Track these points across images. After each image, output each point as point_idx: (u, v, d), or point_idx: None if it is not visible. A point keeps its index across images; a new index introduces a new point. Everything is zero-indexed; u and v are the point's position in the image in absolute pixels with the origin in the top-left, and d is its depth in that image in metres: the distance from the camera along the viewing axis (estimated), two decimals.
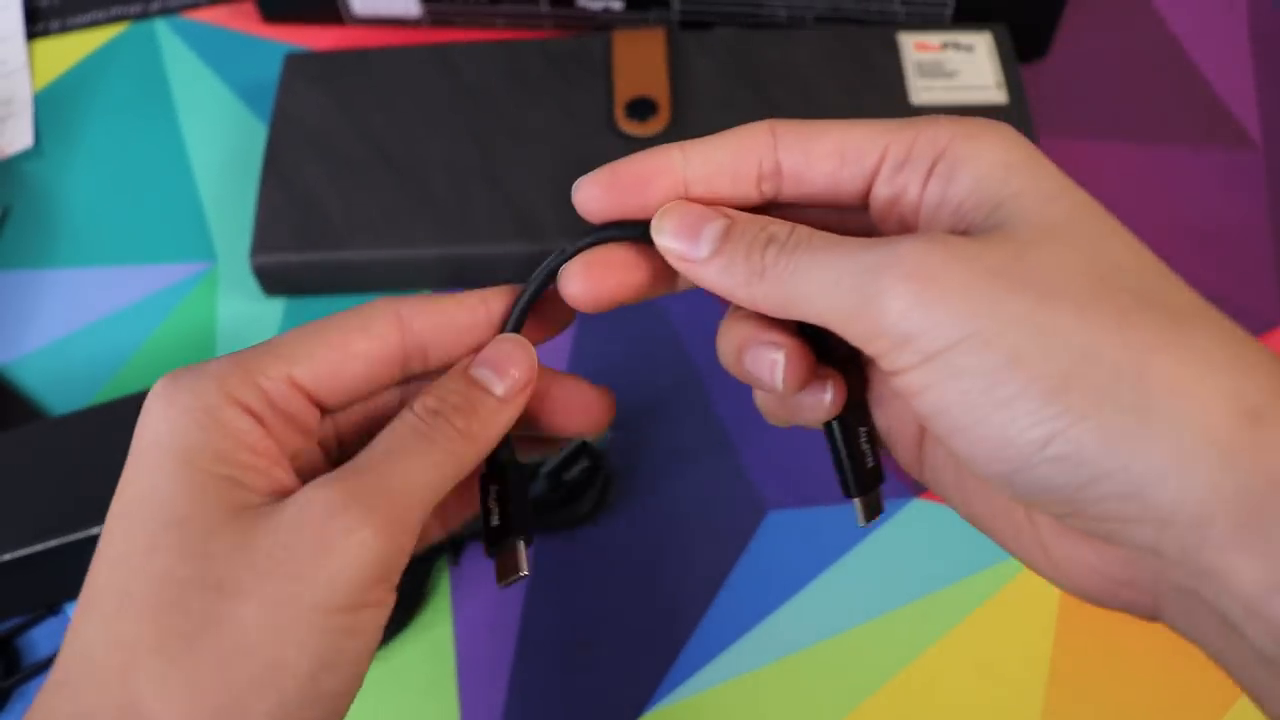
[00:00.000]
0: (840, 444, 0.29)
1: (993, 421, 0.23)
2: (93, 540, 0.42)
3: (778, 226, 0.26)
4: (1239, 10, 0.61)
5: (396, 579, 0.25)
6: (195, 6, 0.64)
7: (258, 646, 0.23)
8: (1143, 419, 0.21)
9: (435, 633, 0.44)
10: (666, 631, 0.43)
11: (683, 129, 0.53)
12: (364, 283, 0.52)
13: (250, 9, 0.64)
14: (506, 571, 0.28)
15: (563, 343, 0.50)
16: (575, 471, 0.44)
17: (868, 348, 0.24)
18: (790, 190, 0.28)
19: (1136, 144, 0.56)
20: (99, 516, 0.41)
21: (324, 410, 0.28)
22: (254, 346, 0.27)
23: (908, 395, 0.24)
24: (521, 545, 0.29)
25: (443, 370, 0.29)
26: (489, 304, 0.29)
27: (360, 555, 0.24)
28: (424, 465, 0.26)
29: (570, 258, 0.29)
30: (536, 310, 0.30)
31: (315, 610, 0.24)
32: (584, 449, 0.44)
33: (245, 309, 0.53)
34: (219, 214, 0.56)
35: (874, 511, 0.29)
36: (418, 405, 0.27)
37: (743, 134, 0.28)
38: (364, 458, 0.26)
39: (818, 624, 0.43)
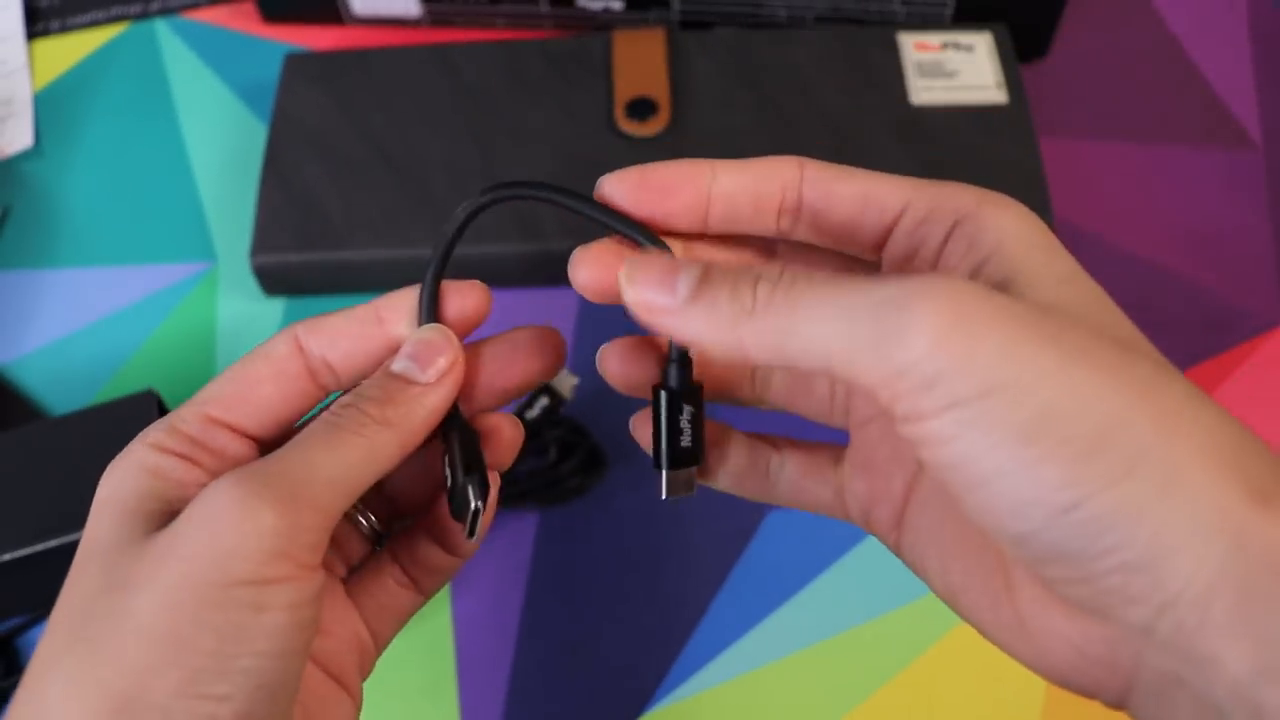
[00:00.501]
0: (662, 415, 0.28)
1: (1019, 479, 0.21)
2: None
3: (766, 267, 0.25)
4: (1239, 10, 0.61)
5: (307, 556, 0.25)
6: (195, 6, 0.64)
7: (153, 628, 0.24)
8: (1166, 491, 0.21)
9: (435, 632, 0.44)
10: (666, 631, 0.43)
11: (683, 129, 0.53)
12: (364, 282, 0.52)
13: (250, 9, 0.64)
14: (461, 512, 0.29)
15: (567, 316, 0.50)
16: (537, 411, 0.45)
17: (880, 391, 0.22)
18: (806, 229, 0.28)
19: (1136, 144, 0.56)
20: None
21: (256, 438, 0.28)
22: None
23: (923, 445, 0.22)
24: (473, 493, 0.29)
25: (353, 381, 0.29)
26: (382, 313, 0.29)
27: (253, 529, 0.24)
28: (330, 449, 0.26)
29: (463, 221, 0.30)
30: (454, 302, 0.30)
31: (211, 586, 0.24)
32: (543, 389, 0.46)
33: (245, 309, 0.53)
34: (219, 214, 0.56)
35: (679, 488, 0.29)
36: (335, 403, 0.28)
37: (772, 163, 0.28)
38: (275, 453, 0.26)
39: (818, 624, 0.43)
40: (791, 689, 0.42)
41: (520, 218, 0.51)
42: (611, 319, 0.51)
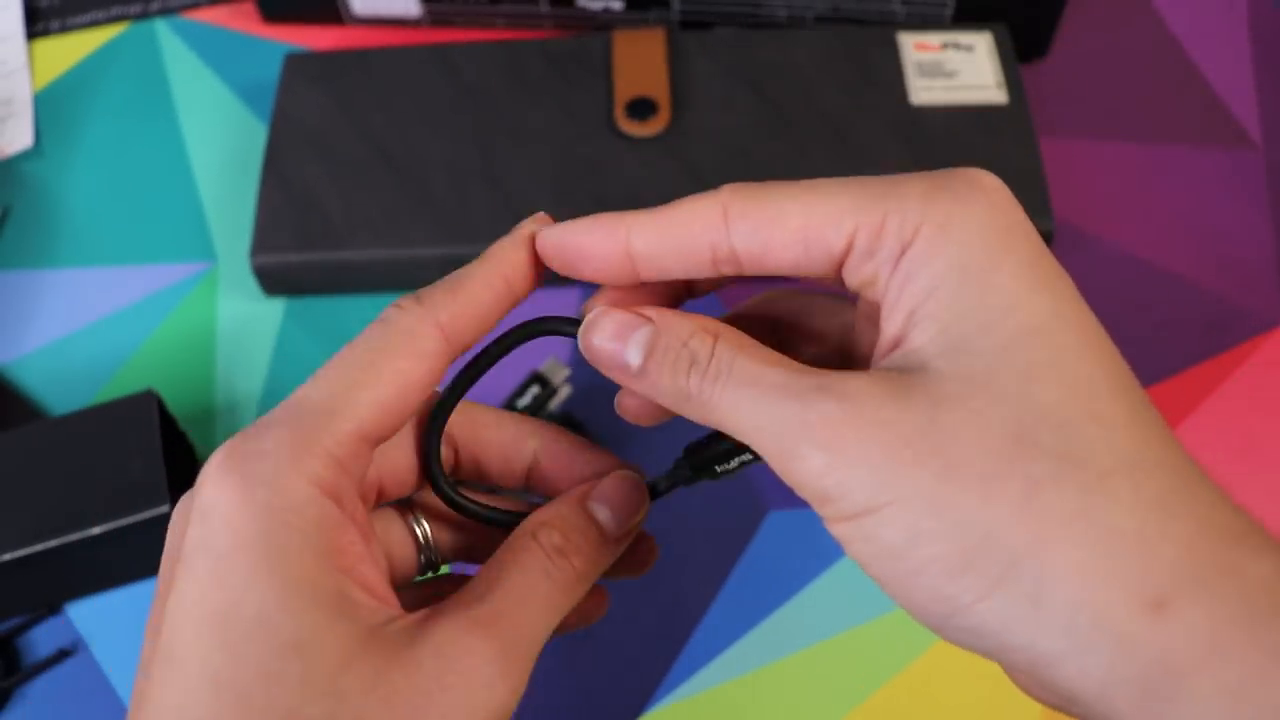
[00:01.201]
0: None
1: (903, 586, 0.23)
2: (91, 540, 0.42)
3: (698, 343, 0.25)
4: (1239, 10, 0.61)
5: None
6: (195, 6, 0.64)
7: None
8: (1038, 604, 0.21)
9: None
10: (666, 631, 0.43)
11: (682, 129, 0.53)
12: (364, 283, 0.52)
13: (250, 9, 0.64)
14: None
15: (568, 312, 0.50)
16: (528, 399, 0.46)
17: (798, 492, 0.24)
18: (752, 269, 0.25)
19: (1136, 144, 0.56)
20: (99, 517, 0.42)
21: (380, 443, 0.26)
22: (301, 401, 0.24)
23: (837, 540, 0.24)
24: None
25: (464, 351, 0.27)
26: (511, 280, 0.27)
27: (492, 707, 0.24)
28: (548, 609, 0.26)
29: (503, 349, 0.28)
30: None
31: None
32: (534, 378, 0.46)
33: (245, 309, 0.53)
34: (219, 214, 0.56)
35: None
36: (544, 539, 0.27)
37: (693, 209, 0.25)
38: (495, 597, 0.25)
39: (818, 624, 0.43)
40: (791, 689, 0.42)
41: (520, 217, 0.51)
42: None
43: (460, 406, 0.29)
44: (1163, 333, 0.50)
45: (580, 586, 0.27)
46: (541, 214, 0.29)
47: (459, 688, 0.23)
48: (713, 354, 0.25)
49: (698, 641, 0.43)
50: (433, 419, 0.28)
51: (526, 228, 0.29)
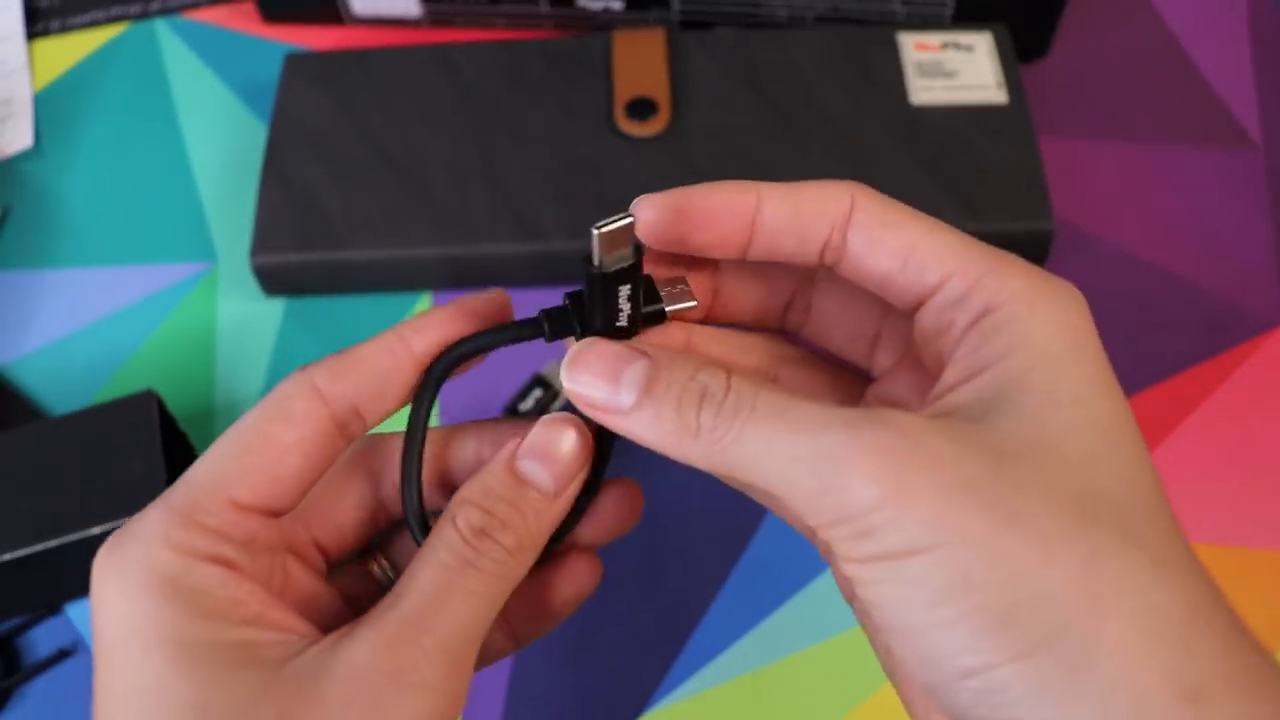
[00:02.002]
0: (595, 294, 0.25)
1: (929, 637, 0.22)
2: (91, 540, 0.42)
3: (710, 377, 0.23)
4: (1239, 10, 0.61)
5: (459, 715, 0.24)
6: (195, 6, 0.64)
7: None
8: (1079, 675, 0.20)
9: None
10: (666, 631, 0.43)
11: (682, 129, 0.53)
12: (364, 282, 0.52)
13: (250, 9, 0.64)
14: None
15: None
16: (530, 403, 0.46)
17: (822, 530, 0.22)
18: (848, 270, 0.26)
19: (1136, 144, 0.56)
20: (99, 517, 0.42)
21: (277, 515, 0.25)
22: (179, 483, 0.24)
23: (854, 582, 0.23)
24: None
25: (379, 423, 0.26)
26: (409, 341, 0.26)
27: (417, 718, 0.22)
28: (475, 601, 0.24)
29: (448, 364, 0.26)
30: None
31: None
32: (537, 381, 0.46)
33: (245, 309, 0.53)
34: (219, 214, 0.56)
35: None
36: (461, 520, 0.25)
37: (824, 192, 0.25)
38: (407, 601, 0.23)
39: (818, 624, 0.43)
40: (791, 689, 0.42)
41: (520, 217, 0.51)
42: None
43: (330, 372, 0.26)
44: (1162, 333, 0.50)
45: (517, 563, 0.25)
46: (499, 290, 0.28)
47: (369, 710, 0.22)
48: (729, 388, 0.23)
49: (698, 641, 0.43)
50: (405, 464, 0.27)
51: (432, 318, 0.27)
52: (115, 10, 0.64)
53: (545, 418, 0.26)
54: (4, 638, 0.44)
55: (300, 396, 0.25)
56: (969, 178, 0.51)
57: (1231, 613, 0.22)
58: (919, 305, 0.25)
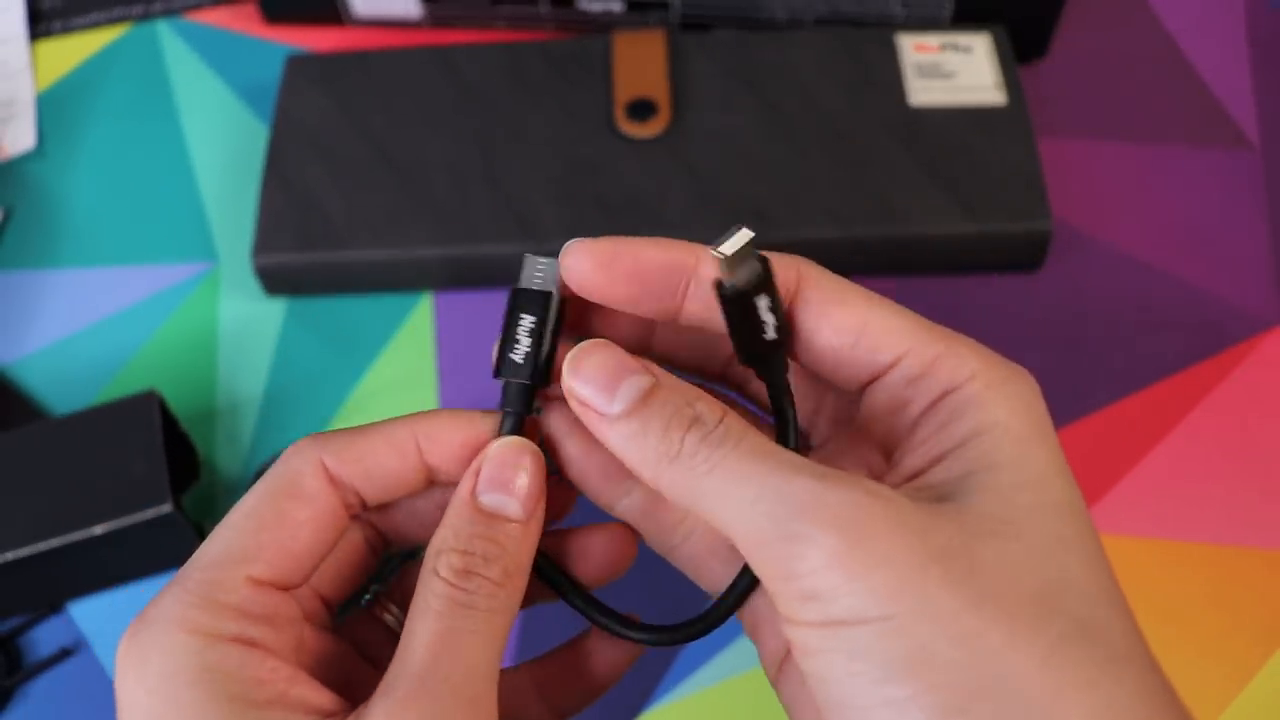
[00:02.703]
0: (733, 314, 0.25)
1: (874, 716, 0.20)
2: (93, 540, 0.42)
3: (706, 406, 0.23)
4: (1237, 11, 0.61)
5: None
6: (197, 8, 0.64)
7: None
8: None
9: None
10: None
11: (682, 130, 0.53)
12: (365, 283, 0.52)
13: (252, 10, 0.64)
14: None
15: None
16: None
17: (769, 583, 0.22)
18: (793, 346, 0.25)
19: (1134, 144, 0.56)
20: (99, 516, 0.42)
21: (292, 589, 0.25)
22: (191, 564, 0.24)
23: (797, 649, 0.22)
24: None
25: (389, 500, 0.26)
26: (422, 447, 0.26)
27: None
28: (479, 640, 0.23)
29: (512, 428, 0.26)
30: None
31: None
32: None
33: (247, 309, 0.53)
34: (220, 214, 0.56)
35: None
36: (443, 568, 0.24)
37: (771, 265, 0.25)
38: (413, 657, 0.23)
39: None
40: None
41: (520, 218, 0.51)
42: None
43: (339, 457, 0.26)
44: (1159, 333, 0.50)
45: (510, 592, 0.24)
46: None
47: None
48: (722, 420, 0.23)
49: (697, 641, 0.43)
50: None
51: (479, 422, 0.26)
52: (117, 11, 0.64)
53: (492, 447, 0.25)
54: (6, 637, 0.44)
55: (310, 474, 0.25)
56: (967, 178, 0.51)
57: (1183, 709, 0.22)
58: (869, 383, 0.25)
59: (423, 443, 0.26)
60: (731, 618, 0.27)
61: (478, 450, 0.26)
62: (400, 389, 0.50)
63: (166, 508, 0.42)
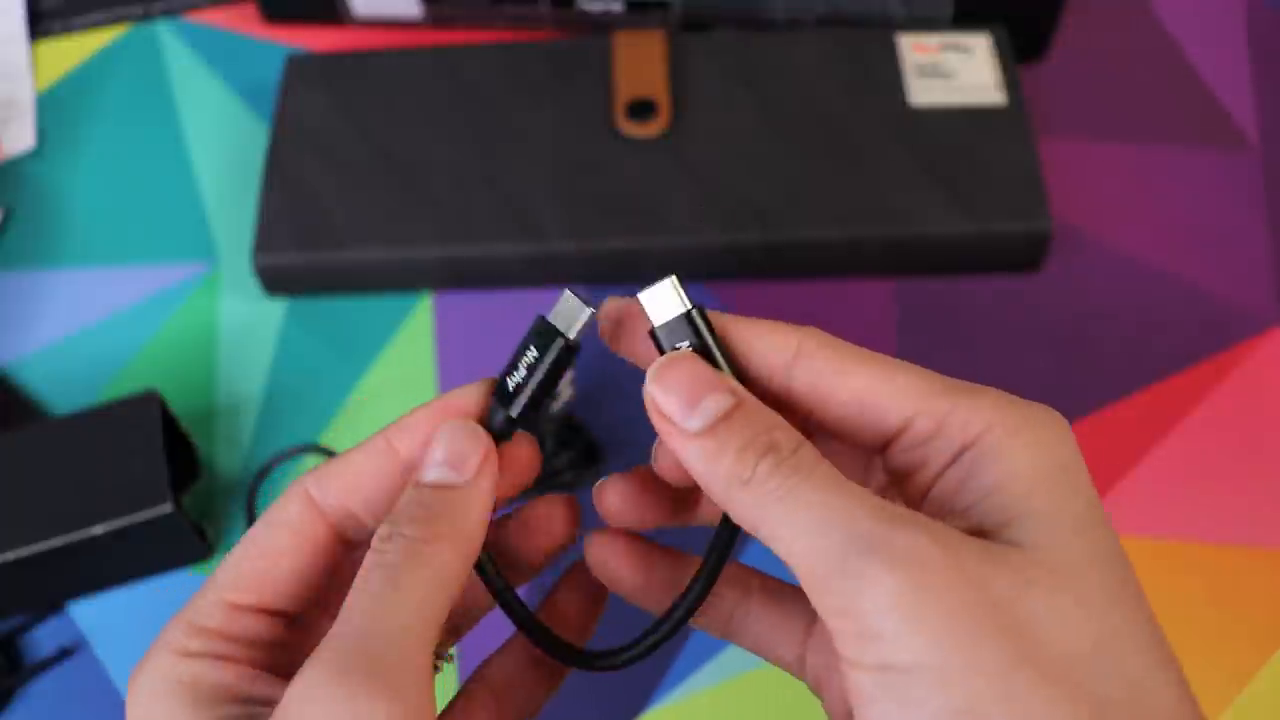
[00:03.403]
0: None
1: None
2: (93, 540, 0.42)
3: (784, 434, 0.23)
4: (1236, 11, 0.61)
5: (430, 715, 0.23)
6: (197, 8, 0.64)
7: None
8: None
9: None
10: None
11: (682, 130, 0.53)
12: (365, 283, 0.52)
13: (251, 10, 0.64)
14: None
15: None
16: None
17: (827, 618, 0.22)
18: (796, 416, 0.25)
19: (1134, 144, 0.56)
20: (99, 516, 0.42)
21: (287, 613, 0.26)
22: (190, 600, 0.26)
23: (852, 697, 0.22)
24: None
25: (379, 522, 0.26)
26: (394, 442, 0.26)
27: None
28: (399, 596, 0.23)
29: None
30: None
31: None
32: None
33: (247, 309, 0.53)
34: (220, 215, 0.56)
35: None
36: (374, 539, 0.24)
37: (771, 331, 0.25)
38: (338, 621, 0.23)
39: None
40: (791, 689, 0.42)
41: (520, 218, 0.51)
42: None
43: (320, 480, 0.26)
44: (1160, 333, 0.50)
45: (439, 545, 0.24)
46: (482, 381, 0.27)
47: None
48: (797, 449, 0.23)
49: (698, 641, 0.43)
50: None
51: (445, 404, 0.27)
52: (117, 11, 0.64)
53: (438, 431, 0.26)
54: (6, 637, 0.44)
55: (294, 504, 0.26)
56: (967, 178, 0.51)
57: None
58: (885, 447, 0.24)
59: (395, 439, 0.26)
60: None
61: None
62: (400, 389, 0.50)
63: (166, 508, 0.42)
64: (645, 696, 0.42)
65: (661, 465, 0.27)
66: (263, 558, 0.26)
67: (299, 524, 0.26)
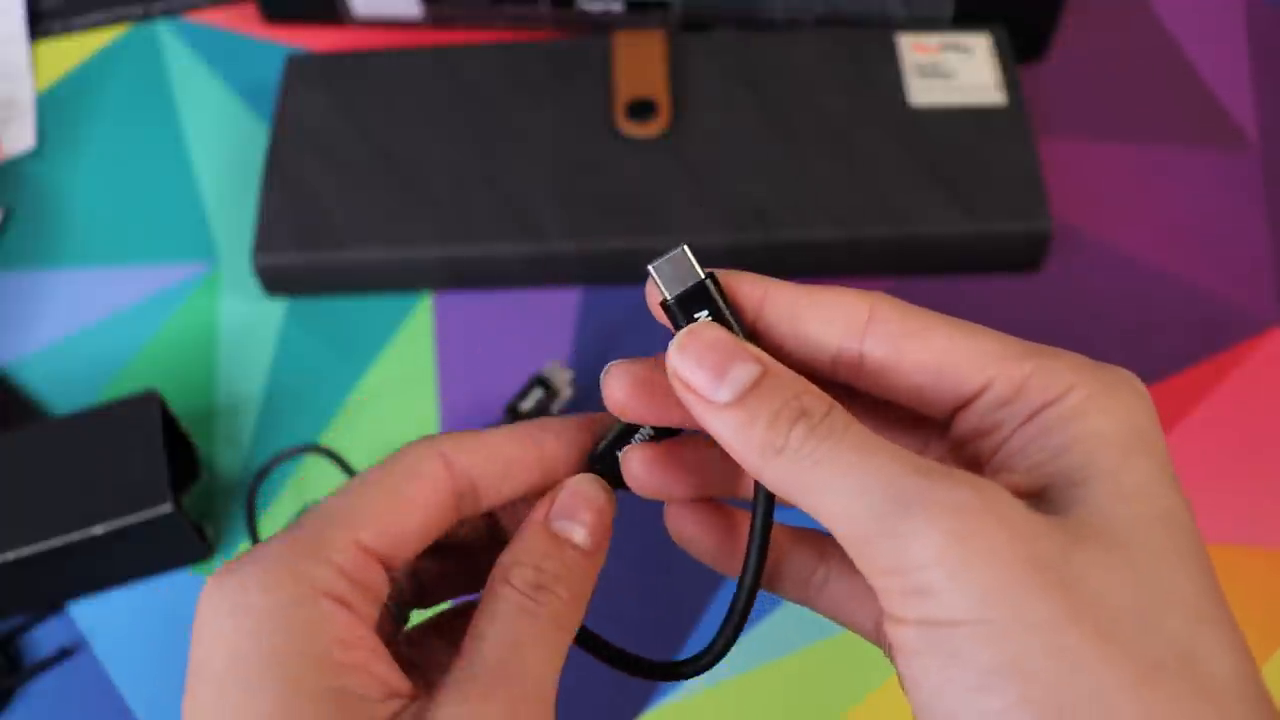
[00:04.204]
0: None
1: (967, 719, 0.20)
2: (93, 540, 0.42)
3: (813, 399, 0.23)
4: (1236, 11, 0.61)
5: None
6: (197, 8, 0.64)
7: None
8: None
9: None
10: (667, 630, 0.43)
11: (682, 130, 0.53)
12: (365, 283, 0.52)
13: (251, 10, 0.64)
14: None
15: (567, 316, 0.51)
16: (531, 403, 0.46)
17: (872, 578, 0.22)
18: (869, 383, 0.25)
19: (1134, 144, 0.56)
20: (99, 516, 0.42)
21: (390, 568, 0.25)
22: (305, 517, 0.25)
23: (895, 648, 0.22)
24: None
25: (493, 508, 0.27)
26: (538, 438, 0.26)
27: None
28: (546, 649, 0.24)
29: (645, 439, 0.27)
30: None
31: None
32: (538, 381, 0.46)
33: (247, 309, 0.53)
34: (220, 215, 0.56)
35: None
36: (517, 580, 0.25)
37: (838, 297, 0.24)
38: (486, 657, 0.23)
39: (817, 623, 0.43)
40: (791, 689, 0.42)
41: (520, 218, 0.51)
42: (613, 322, 0.51)
43: (458, 444, 0.26)
44: (1160, 333, 0.50)
45: (573, 612, 0.25)
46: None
47: None
48: (828, 414, 0.22)
49: (698, 641, 0.43)
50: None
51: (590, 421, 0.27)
52: (117, 11, 0.64)
53: (570, 482, 0.26)
54: (6, 637, 0.44)
55: (430, 459, 0.25)
56: (967, 178, 0.51)
57: None
58: (955, 411, 0.24)
59: (542, 437, 0.26)
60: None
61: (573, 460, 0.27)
62: (400, 389, 0.50)
63: (166, 508, 0.42)
64: (645, 696, 0.42)
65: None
66: (398, 504, 0.24)
67: (434, 478, 0.25)
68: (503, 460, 0.26)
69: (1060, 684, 0.20)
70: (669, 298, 0.25)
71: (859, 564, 0.22)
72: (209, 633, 0.22)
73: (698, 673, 0.27)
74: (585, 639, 0.27)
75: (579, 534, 0.26)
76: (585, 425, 0.27)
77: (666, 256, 0.25)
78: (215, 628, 0.22)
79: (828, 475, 0.22)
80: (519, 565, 0.25)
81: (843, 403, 0.24)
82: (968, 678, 0.20)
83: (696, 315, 0.24)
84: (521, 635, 0.24)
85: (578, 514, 0.26)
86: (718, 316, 0.24)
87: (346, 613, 0.23)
